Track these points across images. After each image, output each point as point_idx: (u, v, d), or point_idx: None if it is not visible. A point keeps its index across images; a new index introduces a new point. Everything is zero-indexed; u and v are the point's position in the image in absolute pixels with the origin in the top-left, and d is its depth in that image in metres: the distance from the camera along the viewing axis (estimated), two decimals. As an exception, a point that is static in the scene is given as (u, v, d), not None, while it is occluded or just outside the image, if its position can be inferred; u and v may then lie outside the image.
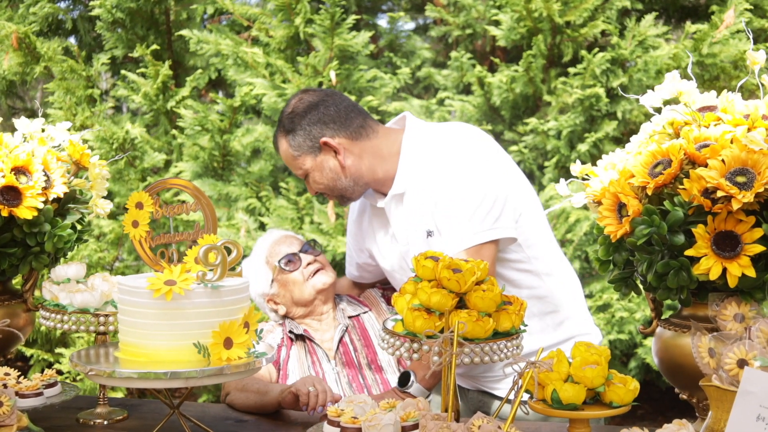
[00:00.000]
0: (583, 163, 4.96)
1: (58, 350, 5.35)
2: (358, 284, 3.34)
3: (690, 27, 4.86)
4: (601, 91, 4.77)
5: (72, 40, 6.55)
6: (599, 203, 2.14)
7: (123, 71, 5.78)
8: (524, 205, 2.85)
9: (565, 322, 2.91)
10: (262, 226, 5.20)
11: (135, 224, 2.28)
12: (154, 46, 5.64)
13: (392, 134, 2.95)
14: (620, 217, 2.05)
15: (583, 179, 2.29)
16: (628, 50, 4.81)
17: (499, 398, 2.91)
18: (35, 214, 2.46)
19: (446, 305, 2.02)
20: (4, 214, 2.43)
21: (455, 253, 2.68)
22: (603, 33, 5.15)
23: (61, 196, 2.58)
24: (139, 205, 2.27)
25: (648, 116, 4.46)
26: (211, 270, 2.22)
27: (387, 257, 3.00)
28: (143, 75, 5.68)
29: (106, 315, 2.47)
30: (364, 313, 3.16)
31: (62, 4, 6.48)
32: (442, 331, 2.02)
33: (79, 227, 2.71)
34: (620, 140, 5.10)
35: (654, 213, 1.97)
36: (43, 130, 2.73)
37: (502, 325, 2.07)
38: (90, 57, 6.19)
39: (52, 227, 2.54)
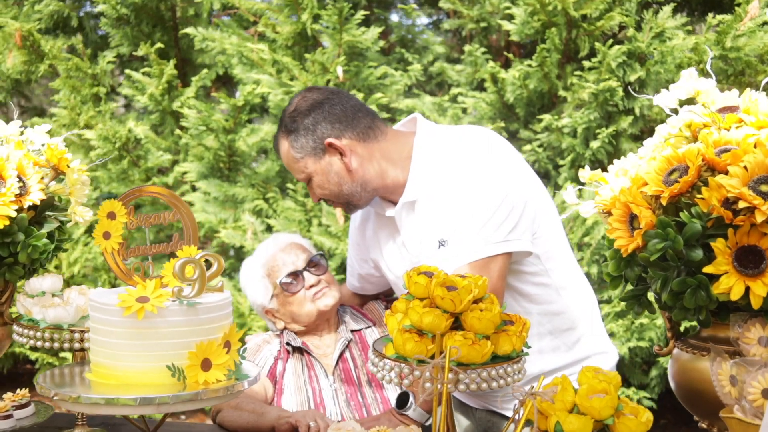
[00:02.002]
0: (598, 160, 4.71)
1: (63, 354, 5.22)
2: (359, 295, 3.15)
3: (712, 19, 4.63)
4: (617, 85, 4.54)
5: (80, 38, 6.41)
6: (609, 213, 1.95)
7: (128, 71, 5.64)
8: (543, 215, 2.65)
9: (581, 339, 2.72)
10: (269, 229, 5.03)
11: (106, 236, 2.11)
12: (159, 45, 5.49)
13: (402, 137, 2.74)
14: (632, 230, 1.86)
15: (596, 185, 2.10)
16: (645, 43, 4.58)
17: (509, 418, 2.73)
18: (6, 223, 2.30)
19: (439, 327, 1.84)
20: (-27, 223, 2.28)
21: (462, 264, 2.50)
22: (621, 26, 4.92)
23: (38, 203, 2.43)
24: (111, 215, 2.11)
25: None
26: (189, 285, 2.05)
27: (395, 268, 2.79)
28: (148, 74, 5.53)
29: (82, 331, 2.30)
30: (367, 328, 2.98)
31: (68, 1, 6.34)
32: (435, 356, 1.84)
33: (60, 235, 2.56)
34: (639, 137, 4.88)
35: (669, 225, 1.78)
36: (21, 133, 2.58)
37: (502, 348, 1.89)
38: (96, 55, 6.06)
39: (26, 237, 2.38)
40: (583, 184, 2.18)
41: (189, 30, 5.45)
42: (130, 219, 2.12)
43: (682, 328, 2.07)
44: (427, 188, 2.64)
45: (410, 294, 1.96)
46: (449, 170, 2.61)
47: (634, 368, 4.85)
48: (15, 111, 2.90)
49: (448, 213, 2.57)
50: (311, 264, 2.92)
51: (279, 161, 5.26)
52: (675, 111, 2.01)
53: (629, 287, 2.00)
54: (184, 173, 5.36)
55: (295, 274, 2.89)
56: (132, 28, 5.85)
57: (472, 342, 1.82)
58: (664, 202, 1.82)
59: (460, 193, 2.56)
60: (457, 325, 1.90)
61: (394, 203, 2.72)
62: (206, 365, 2.01)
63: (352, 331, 2.95)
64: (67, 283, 5.31)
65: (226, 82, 6.33)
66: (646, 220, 1.81)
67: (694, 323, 2.02)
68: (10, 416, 2.25)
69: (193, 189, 5.37)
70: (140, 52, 5.53)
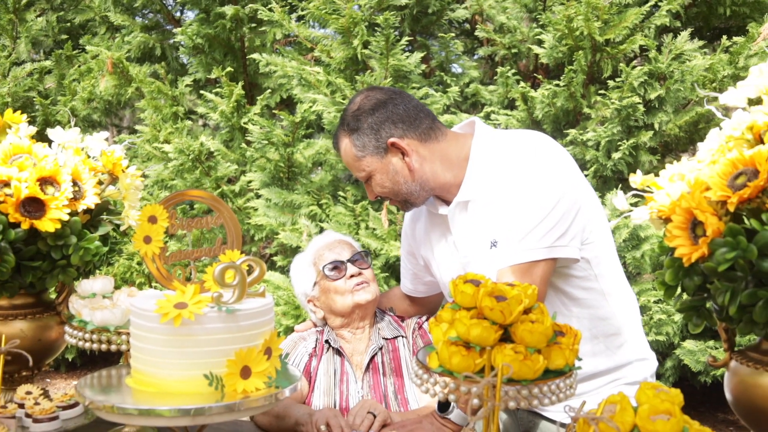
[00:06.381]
0: (619, 171, 4.15)
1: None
2: (409, 298, 2.71)
3: (726, 41, 4.12)
4: (638, 102, 4.06)
5: (163, 65, 6.11)
6: (667, 220, 1.50)
7: (202, 92, 5.30)
8: (594, 222, 2.19)
9: (624, 345, 2.25)
10: (322, 231, 4.62)
11: (147, 240, 1.71)
12: (229, 69, 5.14)
13: (461, 139, 2.28)
14: (695, 238, 1.41)
15: (644, 192, 1.65)
16: (665, 64, 4.09)
17: (549, 420, 2.28)
18: (58, 226, 1.92)
19: (488, 340, 1.40)
20: (25, 226, 1.90)
21: (504, 267, 2.06)
22: (641, 49, 4.43)
23: (92, 207, 2.05)
24: (153, 219, 1.71)
25: (682, 128, 3.62)
26: (229, 290, 1.65)
27: (445, 268, 2.35)
28: (220, 95, 5.18)
29: (128, 333, 1.90)
30: (402, 337, 2.54)
31: (153, 34, 6.06)
32: (482, 370, 1.41)
33: (116, 236, 2.18)
34: (656, 150, 4.39)
35: (740, 233, 1.33)
36: (82, 140, 2.22)
37: (554, 363, 1.44)
38: (176, 80, 5.75)
39: (78, 240, 2.00)
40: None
41: (255, 56, 5.08)
42: (172, 223, 1.72)
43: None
44: (482, 189, 2.19)
45: (456, 303, 1.52)
46: (505, 172, 2.15)
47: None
48: (109, 128, 2.52)
49: (502, 213, 2.13)
50: (355, 257, 2.52)
51: (332, 172, 4.86)
52: (727, 114, 1.56)
53: (684, 296, 1.56)
54: (249, 182, 4.99)
55: (339, 263, 2.50)
56: (206, 56, 5.54)
57: (523, 357, 1.38)
58: (731, 208, 1.37)
59: (515, 194, 2.11)
60: (505, 336, 1.46)
61: (448, 202, 2.29)
62: (245, 373, 1.60)
63: (385, 338, 2.53)
64: (137, 284, 4.99)
65: (289, 105, 5.96)
66: (712, 228, 1.36)
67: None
68: (56, 417, 1.85)
69: (257, 196, 5.00)
70: (213, 75, 5.19)
